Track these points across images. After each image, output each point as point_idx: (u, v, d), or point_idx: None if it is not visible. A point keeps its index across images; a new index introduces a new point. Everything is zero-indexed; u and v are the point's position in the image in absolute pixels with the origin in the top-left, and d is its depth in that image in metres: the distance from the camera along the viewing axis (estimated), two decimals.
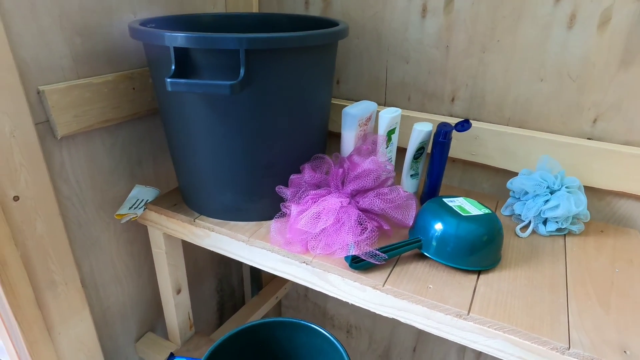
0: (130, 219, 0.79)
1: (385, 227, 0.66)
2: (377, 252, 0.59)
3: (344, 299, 0.63)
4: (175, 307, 0.91)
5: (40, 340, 0.73)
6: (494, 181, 0.86)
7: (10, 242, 0.64)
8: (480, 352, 1.05)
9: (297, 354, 0.74)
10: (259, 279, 1.25)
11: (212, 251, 1.14)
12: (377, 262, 0.59)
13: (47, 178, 0.67)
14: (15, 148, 0.62)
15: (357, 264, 0.60)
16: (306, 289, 1.31)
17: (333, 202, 0.62)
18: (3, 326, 0.71)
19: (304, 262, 0.65)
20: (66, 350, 0.78)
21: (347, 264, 0.60)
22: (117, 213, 0.78)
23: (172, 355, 0.94)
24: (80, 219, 0.77)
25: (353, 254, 0.59)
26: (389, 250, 0.60)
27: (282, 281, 1.27)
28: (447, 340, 1.09)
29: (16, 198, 0.63)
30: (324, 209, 0.62)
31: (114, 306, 0.90)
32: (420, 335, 1.13)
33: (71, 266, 0.75)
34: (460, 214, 0.61)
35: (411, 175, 0.79)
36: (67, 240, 0.73)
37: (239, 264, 1.29)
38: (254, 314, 1.16)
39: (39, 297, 0.70)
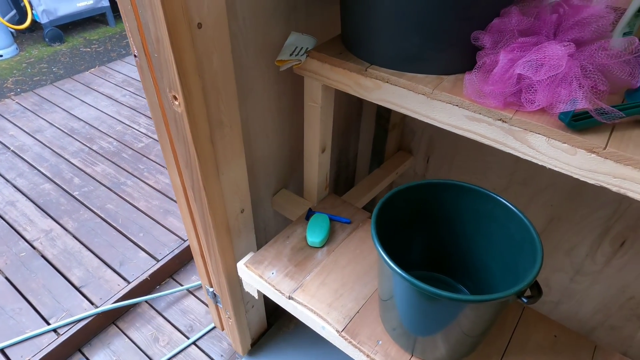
0: (292, 65, 0.75)
1: (602, 87, 0.56)
2: (611, 108, 0.50)
3: (542, 163, 0.57)
4: (318, 166, 0.92)
5: (212, 176, 0.77)
6: None
7: (195, 73, 0.63)
8: (623, 243, 0.98)
9: (463, 218, 0.72)
10: (382, 154, 1.23)
11: (339, 125, 1.10)
12: (604, 121, 0.51)
13: (223, 6, 0.63)
14: None
15: (577, 122, 0.52)
16: (425, 170, 1.27)
17: (556, 50, 0.53)
18: (183, 159, 0.75)
19: (500, 120, 0.58)
20: (226, 191, 0.83)
21: (561, 123, 0.53)
22: (278, 59, 0.74)
23: (311, 211, 0.97)
24: (242, 61, 0.75)
25: (578, 108, 0.51)
26: (624, 109, 0.51)
27: (402, 158, 1.24)
28: (583, 230, 1.02)
29: (200, 25, 0.61)
30: (545, 56, 0.52)
31: (260, 159, 0.92)
32: (552, 221, 1.07)
33: (235, 109, 0.75)
34: None
35: (624, 34, 0.65)
36: (234, 81, 0.72)
37: (357, 137, 1.26)
38: (376, 186, 1.15)
39: (211, 134, 0.72)
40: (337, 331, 0.75)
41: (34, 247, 1.60)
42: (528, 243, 0.63)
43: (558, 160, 0.56)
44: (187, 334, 1.37)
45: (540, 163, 0.58)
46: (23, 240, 1.63)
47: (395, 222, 0.72)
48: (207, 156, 0.73)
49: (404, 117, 1.19)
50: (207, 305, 1.45)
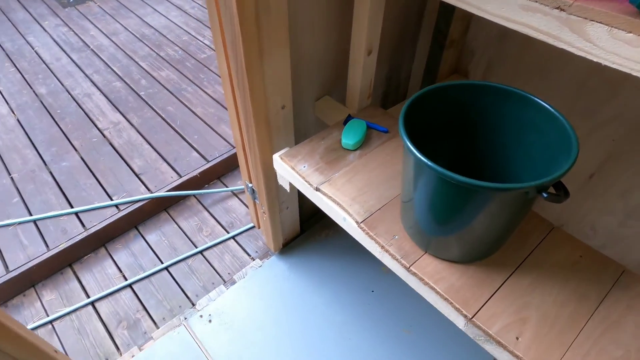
0: None
1: None
2: None
3: (598, 59, 0.53)
4: (363, 69, 0.91)
5: (255, 61, 0.79)
6: None
7: None
8: None
9: (501, 126, 0.70)
10: (434, 74, 1.18)
11: (392, 35, 1.05)
12: None
13: None
14: None
15: None
16: None
17: None
18: (230, 38, 0.78)
19: (558, 8, 0.53)
20: (268, 81, 0.86)
21: (632, 8, 0.47)
22: None
23: (349, 116, 0.98)
24: None
25: None
26: None
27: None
28: (637, 175, 0.94)
29: None
30: None
31: (305, 58, 0.93)
32: (609, 159, 0.99)
33: None
34: None
35: None
36: None
37: (412, 57, 1.22)
38: None
39: (257, 17, 0.73)
40: (357, 222, 0.78)
41: (104, 135, 1.77)
42: (565, 152, 0.60)
43: (617, 55, 0.51)
44: (227, 229, 1.49)
45: (595, 59, 0.53)
46: (95, 128, 1.81)
47: (427, 124, 0.71)
48: (251, 37, 0.74)
49: (464, 34, 1.12)
50: (248, 207, 1.55)
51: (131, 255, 1.42)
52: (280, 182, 1.01)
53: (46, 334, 1.24)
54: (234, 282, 1.33)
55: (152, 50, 2.24)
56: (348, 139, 0.91)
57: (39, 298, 1.32)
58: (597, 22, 0.51)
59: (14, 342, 0.80)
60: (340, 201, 0.81)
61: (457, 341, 1.16)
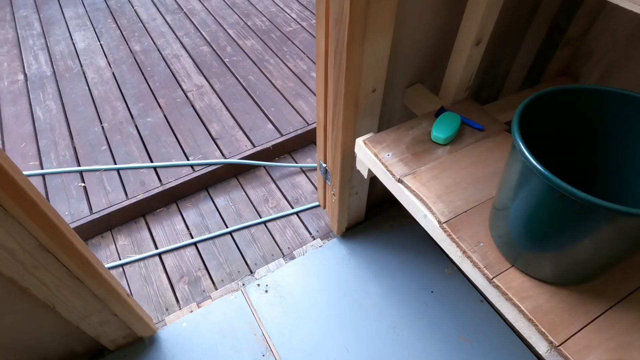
0: None
1: None
2: None
3: None
4: (467, 60, 0.85)
5: (357, 40, 0.76)
6: None
7: None
8: None
9: (628, 139, 0.62)
10: (540, 74, 1.08)
11: (498, 26, 0.96)
12: None
13: None
14: None
15: None
16: None
17: None
18: (335, 15, 0.75)
19: None
20: (366, 62, 0.82)
21: None
22: None
23: (442, 108, 0.93)
24: None
25: None
26: None
27: (562, 84, 1.08)
28: None
29: None
30: None
31: (406, 40, 0.88)
32: None
33: None
34: None
35: None
36: None
37: (515, 51, 1.12)
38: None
39: None
40: (439, 222, 0.74)
41: (187, 97, 1.84)
42: None
43: None
44: (292, 204, 1.50)
45: None
46: (180, 89, 1.88)
47: (537, 129, 0.64)
48: (359, 15, 0.71)
49: (585, 33, 1.00)
50: (315, 186, 1.55)
51: (199, 215, 1.48)
52: (358, 167, 0.98)
53: (117, 276, 1.34)
54: (293, 257, 1.34)
55: (241, 18, 2.27)
56: (439, 132, 0.86)
57: (114, 241, 1.42)
58: None
59: (96, 279, 0.87)
60: (424, 197, 0.77)
61: (519, 359, 1.09)
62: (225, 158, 1.58)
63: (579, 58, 1.04)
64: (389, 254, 1.32)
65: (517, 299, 0.64)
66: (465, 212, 0.75)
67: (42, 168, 1.58)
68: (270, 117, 1.74)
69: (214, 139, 1.66)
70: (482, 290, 0.69)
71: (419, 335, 1.15)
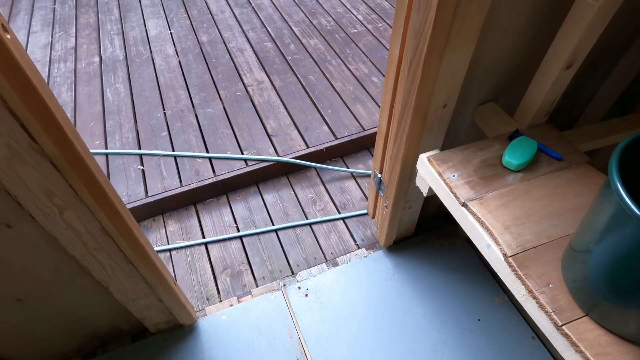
0: None
1: None
2: None
3: None
4: (553, 83, 0.78)
5: (436, 54, 0.72)
6: None
7: None
8: None
9: None
10: (633, 102, 0.98)
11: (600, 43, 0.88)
12: None
13: None
14: None
15: None
16: None
17: None
18: (415, 26, 0.72)
19: None
20: (441, 77, 0.78)
21: None
22: None
23: (517, 131, 0.86)
24: None
25: None
26: None
27: None
28: None
29: None
30: None
31: (485, 57, 0.83)
32: None
33: None
34: None
35: None
36: None
37: (605, 74, 1.02)
38: (611, 135, 0.93)
39: (457, 4, 0.66)
40: (504, 254, 0.69)
41: (247, 91, 1.87)
42: None
43: None
44: (340, 209, 1.48)
45: None
46: (241, 82, 1.91)
47: (634, 171, 0.58)
48: (443, 28, 0.67)
49: None
50: (364, 193, 1.52)
51: (247, 209, 1.49)
52: (418, 183, 0.94)
53: (164, 260, 1.38)
54: (336, 264, 1.32)
55: (306, 16, 2.27)
56: (513, 157, 0.80)
57: (165, 226, 1.47)
58: None
59: (148, 266, 0.89)
60: (490, 226, 0.72)
61: None
62: (279, 156, 1.59)
63: None
64: (437, 273, 1.27)
65: (591, 353, 0.58)
66: (535, 247, 0.69)
67: (106, 148, 1.66)
68: (326, 118, 1.73)
69: (269, 136, 1.67)
70: (549, 336, 0.63)
71: None
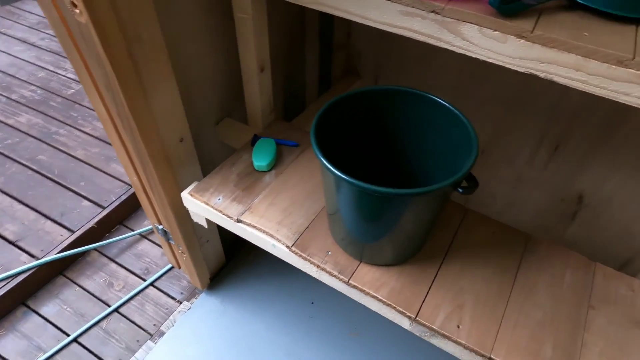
0: None
1: None
2: None
3: (477, 55, 0.57)
4: (259, 86, 0.87)
5: (139, 99, 0.71)
6: None
7: None
8: (557, 148, 1.03)
9: (406, 128, 0.72)
10: (329, 78, 1.19)
11: (281, 46, 1.03)
12: (532, 2, 0.50)
13: None
14: None
15: (506, 5, 0.51)
16: None
17: None
18: (102, 81, 0.68)
19: (433, 11, 0.56)
20: (159, 117, 0.77)
21: (493, 10, 0.52)
22: None
23: (256, 136, 0.94)
24: None
25: None
26: None
27: (350, 81, 1.22)
28: (524, 135, 1.06)
29: None
30: None
31: (196, 83, 0.86)
32: (495, 134, 1.10)
33: (154, 23, 0.67)
34: None
35: None
36: None
37: (303, 63, 1.21)
38: None
39: (129, 50, 0.65)
40: (287, 247, 0.75)
41: None
42: (466, 144, 0.64)
43: (491, 50, 0.55)
44: (143, 276, 1.35)
45: (474, 55, 0.57)
46: None
47: (337, 137, 0.71)
48: (128, 75, 0.66)
49: (348, 37, 1.15)
50: (161, 247, 1.42)
51: (22, 338, 1.20)
52: (195, 219, 0.93)
53: None
54: (162, 334, 1.20)
55: (1, 94, 1.91)
56: (260, 160, 0.87)
57: None
58: (468, 22, 0.54)
59: None
60: (266, 228, 0.77)
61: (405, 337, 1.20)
62: (38, 258, 1.32)
63: (353, 58, 1.19)
64: (262, 285, 1.30)
65: (373, 290, 0.69)
66: (307, 227, 0.78)
67: None
68: (82, 193, 1.52)
69: (13, 243, 1.37)
70: (345, 293, 0.73)
71: (315, 347, 1.16)
